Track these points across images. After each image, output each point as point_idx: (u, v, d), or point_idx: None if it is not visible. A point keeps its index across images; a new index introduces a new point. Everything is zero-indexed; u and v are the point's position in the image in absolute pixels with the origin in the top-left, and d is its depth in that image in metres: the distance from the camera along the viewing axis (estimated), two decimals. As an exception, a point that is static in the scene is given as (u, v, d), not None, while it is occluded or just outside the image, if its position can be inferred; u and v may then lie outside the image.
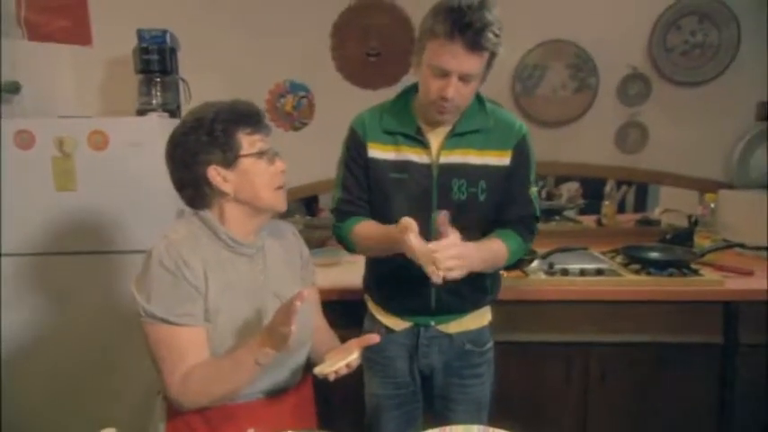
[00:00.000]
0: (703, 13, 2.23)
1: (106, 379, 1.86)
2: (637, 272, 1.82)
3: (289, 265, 1.20)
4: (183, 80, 2.16)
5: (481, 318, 1.37)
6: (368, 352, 1.38)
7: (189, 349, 1.01)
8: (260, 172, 1.06)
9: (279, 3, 2.30)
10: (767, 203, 2.01)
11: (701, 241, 2.04)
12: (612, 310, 1.73)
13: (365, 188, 1.30)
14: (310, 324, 1.19)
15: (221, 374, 1.01)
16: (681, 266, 1.82)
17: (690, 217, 2.25)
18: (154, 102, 2.07)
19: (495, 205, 1.27)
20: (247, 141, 1.05)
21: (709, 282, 1.75)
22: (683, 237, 2.10)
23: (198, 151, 1.03)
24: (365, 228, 1.27)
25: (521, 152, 1.27)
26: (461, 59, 1.11)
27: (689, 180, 2.34)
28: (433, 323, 1.33)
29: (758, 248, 2.00)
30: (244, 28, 2.30)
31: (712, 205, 2.25)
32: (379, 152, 1.27)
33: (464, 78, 1.14)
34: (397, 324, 1.34)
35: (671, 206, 2.47)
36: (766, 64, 2.22)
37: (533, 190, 1.30)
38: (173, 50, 2.11)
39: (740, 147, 2.26)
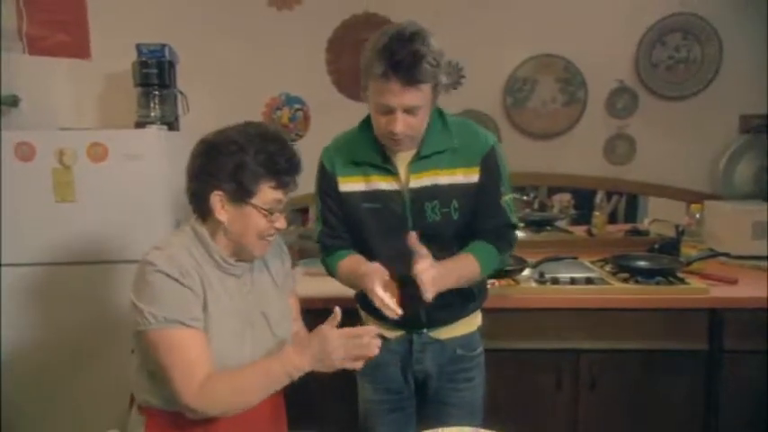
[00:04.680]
0: (686, 29, 2.30)
1: (105, 388, 1.86)
2: (625, 280, 1.86)
3: (274, 281, 1.21)
4: (182, 93, 2.19)
5: (470, 323, 1.41)
6: None
7: (201, 354, 1.01)
8: (256, 222, 1.06)
9: (275, 18, 2.35)
10: (751, 214, 2.07)
11: (688, 251, 2.09)
12: (601, 318, 1.77)
13: (342, 219, 1.33)
14: (290, 331, 1.22)
15: (249, 385, 1.02)
16: (668, 275, 1.86)
17: (677, 227, 2.30)
18: (152, 114, 2.09)
19: (470, 220, 1.29)
20: (265, 194, 1.04)
21: (695, 290, 1.79)
22: (670, 246, 2.14)
23: (217, 173, 1.03)
24: (344, 268, 1.32)
25: (488, 165, 1.28)
26: (400, 96, 1.12)
27: (675, 191, 2.40)
28: (425, 330, 1.36)
29: (742, 258, 2.05)
30: (241, 42, 2.35)
31: (698, 215, 2.31)
32: (349, 185, 1.29)
33: (409, 111, 1.15)
34: (391, 332, 1.37)
35: (659, 217, 2.53)
36: (748, 78, 2.29)
37: (506, 198, 1.30)
38: (171, 64, 2.14)
39: (725, 159, 2.32)
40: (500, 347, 1.68)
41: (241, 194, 1.03)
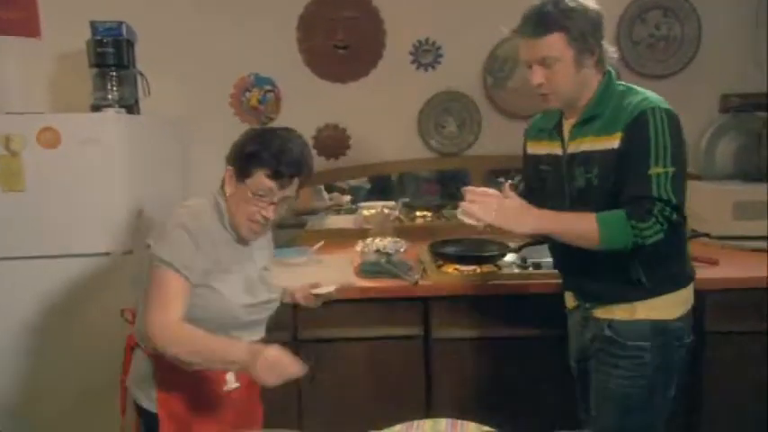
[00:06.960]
0: (666, 6, 2.26)
1: (60, 384, 1.77)
2: (608, 263, 1.83)
3: (264, 247, 1.36)
4: (142, 74, 2.05)
5: (632, 310, 1.30)
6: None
7: (178, 296, 1.14)
8: (246, 202, 1.19)
9: (242, -7, 2.22)
10: (732, 194, 2.05)
11: (670, 232, 2.06)
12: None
13: (527, 179, 1.53)
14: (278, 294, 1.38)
15: (206, 352, 1.11)
16: (651, 257, 1.83)
17: (658, 208, 2.27)
18: (110, 97, 1.96)
19: (612, 190, 1.24)
20: (260, 179, 1.17)
21: (678, 272, 1.77)
22: (652, 228, 2.12)
23: (232, 151, 1.22)
24: None
25: (634, 131, 1.21)
26: (527, 48, 1.24)
27: (656, 171, 2.37)
28: (587, 305, 1.39)
29: (723, 238, 2.04)
30: (205, 19, 2.21)
31: (679, 196, 2.29)
32: (533, 148, 1.45)
33: (543, 63, 1.23)
34: (570, 302, 1.47)
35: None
36: (729, 57, 2.27)
37: (658, 171, 1.19)
38: (129, 43, 2.01)
39: (705, 139, 2.30)
40: (483, 336, 1.67)
41: (240, 173, 1.19)
